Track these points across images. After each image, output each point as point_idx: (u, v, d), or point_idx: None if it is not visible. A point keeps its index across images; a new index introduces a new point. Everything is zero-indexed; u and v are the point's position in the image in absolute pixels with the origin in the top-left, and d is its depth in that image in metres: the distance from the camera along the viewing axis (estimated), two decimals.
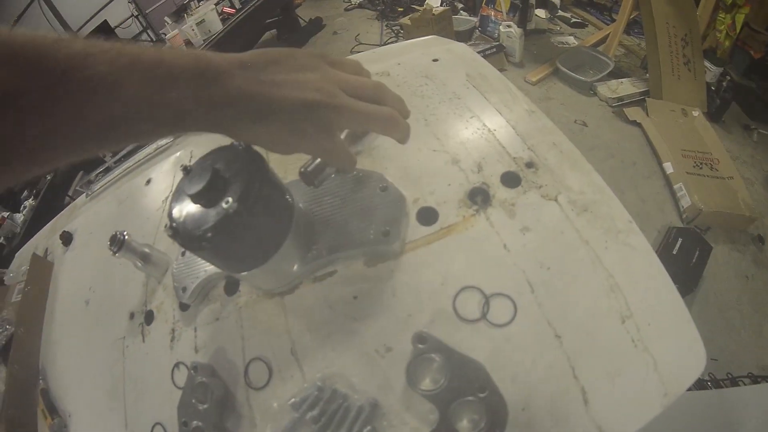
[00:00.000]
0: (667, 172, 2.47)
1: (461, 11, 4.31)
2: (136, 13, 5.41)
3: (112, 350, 0.86)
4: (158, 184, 1.11)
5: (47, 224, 1.39)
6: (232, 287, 0.73)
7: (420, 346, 0.52)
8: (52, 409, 0.89)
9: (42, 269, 1.15)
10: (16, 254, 1.42)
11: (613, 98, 3.01)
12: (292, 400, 0.56)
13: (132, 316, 0.87)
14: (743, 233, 2.29)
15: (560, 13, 4.12)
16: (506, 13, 3.72)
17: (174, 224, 0.49)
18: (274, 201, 0.54)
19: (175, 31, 3.37)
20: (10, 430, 0.88)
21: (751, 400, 1.02)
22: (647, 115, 2.81)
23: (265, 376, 0.62)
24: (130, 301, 0.90)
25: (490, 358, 0.53)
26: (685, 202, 2.30)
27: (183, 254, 0.79)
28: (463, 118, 0.82)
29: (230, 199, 0.46)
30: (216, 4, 3.61)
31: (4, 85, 0.26)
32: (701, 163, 2.46)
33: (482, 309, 0.55)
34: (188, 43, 3.37)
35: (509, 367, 0.52)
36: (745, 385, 1.52)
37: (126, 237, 0.84)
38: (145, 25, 5.73)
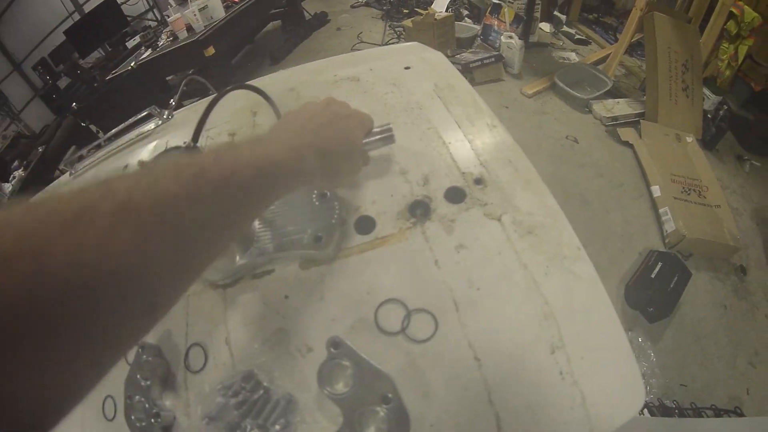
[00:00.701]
0: (654, 196, 2.47)
1: (466, 18, 4.32)
2: None
3: None
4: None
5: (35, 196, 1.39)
6: None
7: (332, 350, 0.53)
8: None
9: None
10: None
11: (608, 117, 3.02)
12: (220, 385, 0.58)
13: None
14: (725, 263, 2.29)
15: (565, 28, 4.13)
16: (509, 24, 3.73)
17: None
18: None
19: (178, 15, 3.37)
20: None
21: None
22: (640, 137, 2.82)
23: (202, 361, 0.65)
24: None
25: (402, 371, 0.53)
26: (669, 226, 2.30)
27: None
28: (420, 129, 0.82)
29: None
30: None
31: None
32: (690, 189, 2.46)
33: (402, 323, 0.55)
34: (189, 28, 3.37)
35: (421, 383, 0.52)
36: (707, 417, 1.53)
37: None
38: (151, 4, 5.75)
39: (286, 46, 4.48)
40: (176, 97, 1.26)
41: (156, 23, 5.27)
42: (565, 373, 0.53)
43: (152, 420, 0.64)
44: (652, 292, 1.98)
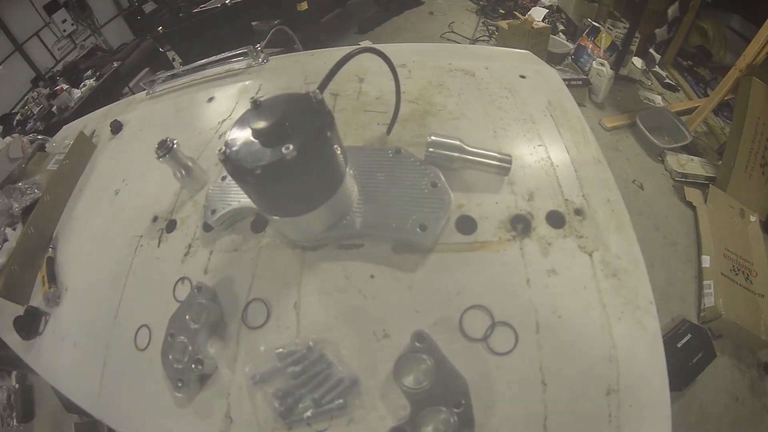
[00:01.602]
0: (703, 265, 2.41)
1: (561, 33, 4.18)
2: None
3: (126, 244, 0.92)
4: (219, 105, 1.16)
5: (101, 108, 1.47)
6: (259, 225, 0.78)
7: (417, 344, 0.54)
8: (52, 278, 0.96)
9: (84, 148, 1.23)
10: (64, 127, 1.50)
11: (679, 172, 2.93)
12: (280, 350, 0.60)
13: (155, 219, 0.93)
14: (751, 355, 2.23)
15: (657, 68, 3.96)
16: (604, 51, 3.61)
17: (227, 150, 0.52)
18: (330, 162, 0.56)
19: None
20: (7, 284, 0.96)
21: None
22: (705, 201, 2.73)
23: (262, 319, 0.67)
24: (157, 204, 0.95)
25: (475, 379, 0.55)
26: (709, 301, 2.25)
27: (223, 179, 0.83)
28: (531, 143, 0.82)
29: (291, 147, 0.48)
30: None
31: None
32: (738, 270, 2.38)
33: (485, 332, 0.57)
34: None
35: (490, 395, 0.55)
36: None
37: (175, 145, 0.88)
38: None
39: (376, 17, 4.44)
40: (263, 43, 1.31)
41: None
42: (612, 417, 0.56)
43: (193, 365, 0.66)
44: (673, 362, 1.96)
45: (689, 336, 2.04)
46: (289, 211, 0.59)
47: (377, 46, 0.72)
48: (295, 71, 1.19)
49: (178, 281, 0.79)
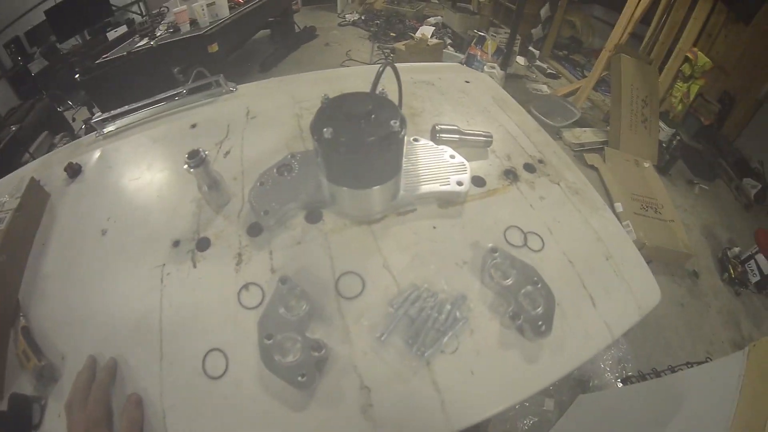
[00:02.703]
0: (617, 211, 3.01)
1: (449, 46, 4.89)
2: None
3: (144, 278, 0.89)
4: (208, 128, 1.24)
5: (39, 158, 1.37)
6: (314, 217, 0.94)
7: (494, 254, 0.82)
8: (37, 351, 0.82)
9: (38, 197, 1.13)
10: None
11: (576, 143, 3.61)
12: (395, 301, 0.78)
13: (176, 243, 0.93)
14: (680, 268, 2.85)
15: (538, 62, 4.82)
16: (491, 55, 4.31)
17: (327, 132, 0.73)
18: (403, 139, 0.81)
19: (183, 7, 3.57)
20: None
21: (691, 381, 1.40)
22: (604, 161, 3.41)
23: (359, 288, 0.82)
24: (172, 230, 0.96)
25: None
26: (631, 236, 2.82)
27: (261, 184, 0.94)
28: (494, 125, 1.20)
29: (397, 122, 0.74)
30: None
31: None
32: (647, 207, 3.03)
33: (523, 240, 0.90)
34: (193, 21, 3.60)
35: (545, 275, 0.84)
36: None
37: (206, 155, 0.90)
38: None
39: (276, 55, 4.80)
40: (188, 84, 1.38)
41: (141, 16, 5.33)
42: (617, 272, 0.90)
43: (313, 352, 0.69)
44: None
45: None
46: (375, 181, 0.82)
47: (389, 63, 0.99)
48: (274, 93, 1.37)
49: (241, 289, 0.84)
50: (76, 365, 0.79)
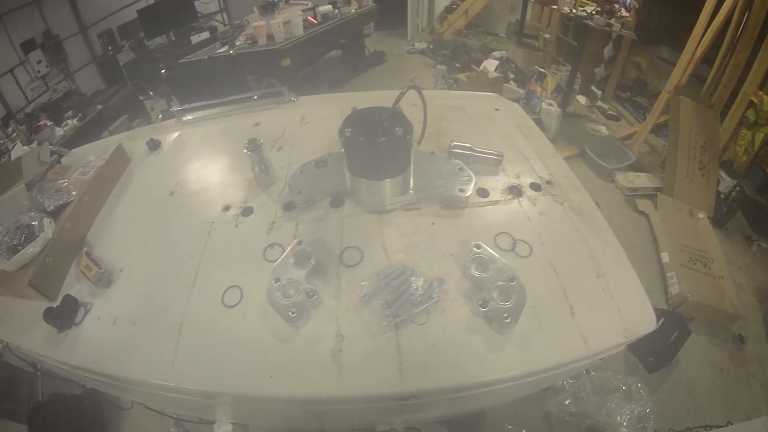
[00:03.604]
0: (663, 261, 2.92)
1: (512, 81, 5.01)
2: None
3: (195, 229, 1.17)
4: (268, 128, 1.59)
5: (121, 133, 1.81)
6: (337, 202, 1.18)
7: (476, 249, 0.95)
8: (97, 264, 1.08)
9: (121, 160, 1.47)
10: (75, 149, 1.68)
11: (628, 188, 3.56)
12: (384, 273, 0.95)
13: (227, 208, 1.23)
14: (724, 330, 2.68)
15: (599, 103, 4.80)
16: (551, 93, 4.38)
17: (348, 131, 0.96)
18: (409, 146, 1.02)
19: (262, 22, 4.01)
20: (39, 274, 1.04)
21: None
22: (656, 208, 3.33)
23: (357, 259, 1.02)
24: (224, 198, 1.26)
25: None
26: (674, 289, 2.72)
27: (301, 172, 1.23)
28: (511, 147, 1.32)
29: (401, 129, 0.94)
30: (303, 11, 4.33)
31: None
32: (696, 260, 2.91)
33: (512, 245, 1.02)
34: (270, 36, 4.02)
35: (525, 280, 0.94)
36: None
37: (261, 143, 1.19)
38: (222, 6, 6.55)
39: (344, 75, 5.16)
40: (259, 91, 1.74)
41: (224, 25, 5.96)
42: (606, 291, 0.98)
43: (307, 296, 0.89)
44: (653, 343, 2.31)
45: (662, 319, 2.39)
46: (384, 174, 1.02)
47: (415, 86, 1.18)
48: (327, 106, 1.70)
49: (267, 247, 1.09)
50: (131, 275, 1.10)
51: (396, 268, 0.98)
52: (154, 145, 1.55)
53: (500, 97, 1.75)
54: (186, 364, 0.91)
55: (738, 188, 3.31)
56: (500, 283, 0.90)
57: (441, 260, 1.01)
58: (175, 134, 1.63)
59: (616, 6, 3.75)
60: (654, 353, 2.35)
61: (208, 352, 0.92)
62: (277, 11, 4.10)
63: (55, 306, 1.02)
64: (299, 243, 1.00)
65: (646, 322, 0.95)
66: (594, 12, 3.67)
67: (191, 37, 5.11)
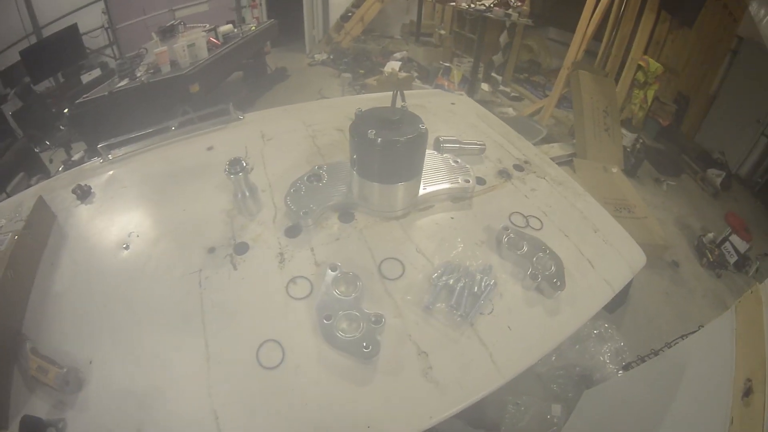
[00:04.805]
0: None
1: (416, 79, 5.26)
2: (106, 26, 5.79)
3: (178, 285, 0.96)
4: (223, 150, 1.39)
5: (39, 183, 1.41)
6: (347, 217, 1.12)
7: (507, 231, 1.03)
8: (54, 363, 0.80)
9: (44, 217, 1.16)
10: None
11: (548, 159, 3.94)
12: (435, 274, 0.95)
13: (212, 250, 1.04)
14: (660, 260, 3.11)
15: (501, 87, 5.24)
16: (458, 84, 4.69)
17: (370, 135, 0.92)
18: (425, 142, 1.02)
19: (164, 48, 3.77)
20: None
21: (688, 349, 1.55)
22: (574, 172, 3.72)
23: (399, 271, 1.00)
24: (203, 238, 1.07)
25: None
26: None
27: (295, 191, 1.12)
28: (482, 136, 1.44)
29: (424, 125, 0.96)
30: (205, 32, 4.13)
31: None
32: (621, 208, 3.32)
33: (525, 222, 1.12)
34: (173, 63, 3.79)
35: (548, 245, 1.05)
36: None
37: (246, 165, 1.05)
38: (112, 39, 6.05)
39: (249, 96, 5.05)
40: (176, 120, 1.49)
41: (116, 59, 5.51)
42: (605, 242, 1.13)
43: (374, 323, 0.81)
44: None
45: None
46: (402, 178, 1.01)
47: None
48: (283, 120, 1.58)
49: (288, 283, 0.96)
50: (106, 368, 0.83)
51: (444, 268, 0.98)
52: (83, 193, 1.25)
53: (446, 92, 1.87)
54: None
55: (640, 140, 3.84)
56: (540, 254, 0.99)
57: (477, 249, 1.05)
58: (107, 174, 1.35)
59: None
60: None
61: (273, 419, 0.76)
62: (178, 35, 3.88)
63: None
64: (333, 268, 0.92)
65: (639, 258, 1.13)
66: (492, 5, 4.02)
67: (81, 77, 4.66)
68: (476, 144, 1.29)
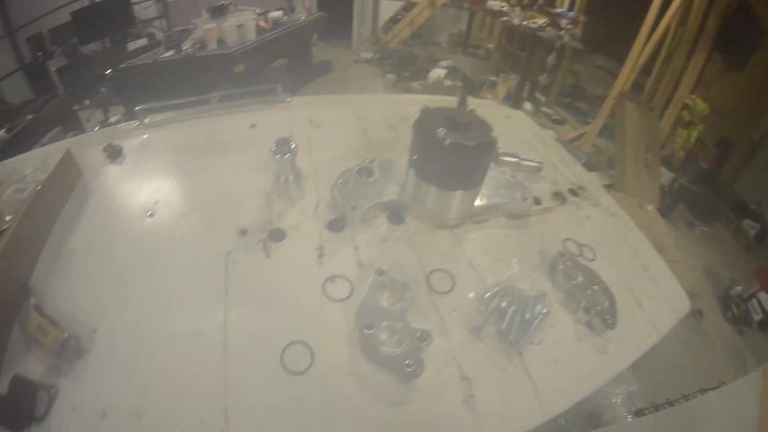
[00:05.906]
0: None
1: (460, 89, 5.23)
2: None
3: (202, 264, 0.90)
4: (267, 129, 1.34)
5: (55, 143, 1.43)
6: (397, 218, 1.07)
7: (564, 258, 0.99)
8: (56, 324, 0.75)
9: (69, 171, 1.11)
10: (5, 162, 1.26)
11: None
12: (487, 294, 0.90)
13: (244, 232, 0.97)
14: None
15: (544, 109, 5.16)
16: (501, 100, 4.64)
17: (440, 134, 0.87)
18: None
19: (213, 25, 3.79)
20: None
21: (708, 405, 1.49)
22: None
23: (449, 285, 0.94)
24: (236, 218, 1.00)
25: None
26: None
27: (344, 182, 1.06)
28: (538, 155, 1.40)
29: (495, 133, 0.92)
30: (257, 14, 4.18)
31: None
32: None
33: (579, 250, 1.09)
34: (221, 41, 3.81)
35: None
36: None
37: (294, 147, 0.99)
38: (162, 12, 6.16)
39: (292, 86, 5.07)
40: (219, 93, 1.51)
41: (164, 32, 5.62)
42: (654, 282, 1.09)
43: (420, 340, 0.74)
44: None
45: None
46: (462, 185, 0.97)
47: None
48: (332, 108, 1.57)
49: (326, 281, 0.88)
50: (110, 339, 0.76)
51: (497, 288, 0.92)
52: (114, 152, 1.19)
53: (500, 105, 1.84)
54: None
55: (678, 181, 3.73)
56: (594, 287, 0.95)
57: (531, 273, 1.01)
58: (142, 137, 1.28)
59: (561, 19, 4.08)
60: None
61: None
62: (229, 14, 3.92)
63: (2, 394, 0.65)
64: (380, 273, 0.85)
65: (683, 303, 1.08)
66: (545, 24, 3.97)
67: (127, 44, 4.77)
68: (534, 162, 1.26)
